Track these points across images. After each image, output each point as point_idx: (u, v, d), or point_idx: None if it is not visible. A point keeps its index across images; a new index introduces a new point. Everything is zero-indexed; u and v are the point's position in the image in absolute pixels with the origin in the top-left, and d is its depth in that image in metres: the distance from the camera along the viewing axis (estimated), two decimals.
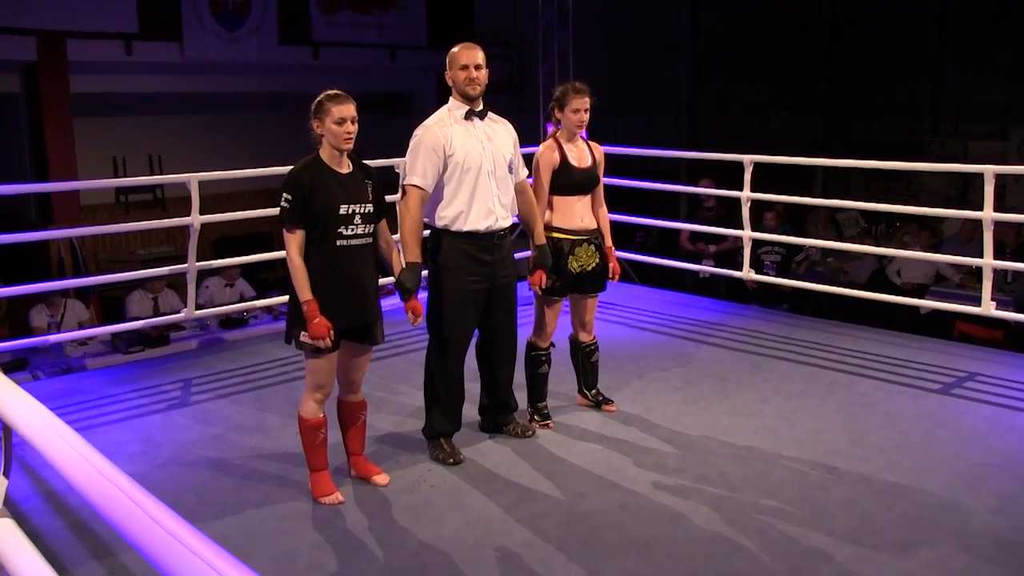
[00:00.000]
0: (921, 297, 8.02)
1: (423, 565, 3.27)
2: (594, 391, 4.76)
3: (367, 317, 3.70)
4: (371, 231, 3.66)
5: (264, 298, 7.04)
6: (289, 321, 3.69)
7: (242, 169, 6.18)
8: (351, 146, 3.60)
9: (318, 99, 3.59)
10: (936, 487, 3.80)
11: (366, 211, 3.63)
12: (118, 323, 6.53)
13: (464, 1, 12.93)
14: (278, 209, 3.58)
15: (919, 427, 4.46)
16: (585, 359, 4.72)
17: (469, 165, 4.01)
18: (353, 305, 3.63)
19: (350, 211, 3.58)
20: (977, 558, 3.25)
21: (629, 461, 4.09)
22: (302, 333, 3.57)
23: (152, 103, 10.96)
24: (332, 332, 3.55)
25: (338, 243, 3.57)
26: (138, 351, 6.25)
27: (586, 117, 4.40)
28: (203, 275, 7.61)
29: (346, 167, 3.64)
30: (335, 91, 3.60)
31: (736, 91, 15.22)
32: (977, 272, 6.66)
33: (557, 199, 4.43)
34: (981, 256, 5.40)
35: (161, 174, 10.61)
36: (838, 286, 7.50)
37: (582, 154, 4.46)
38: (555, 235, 4.41)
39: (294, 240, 3.54)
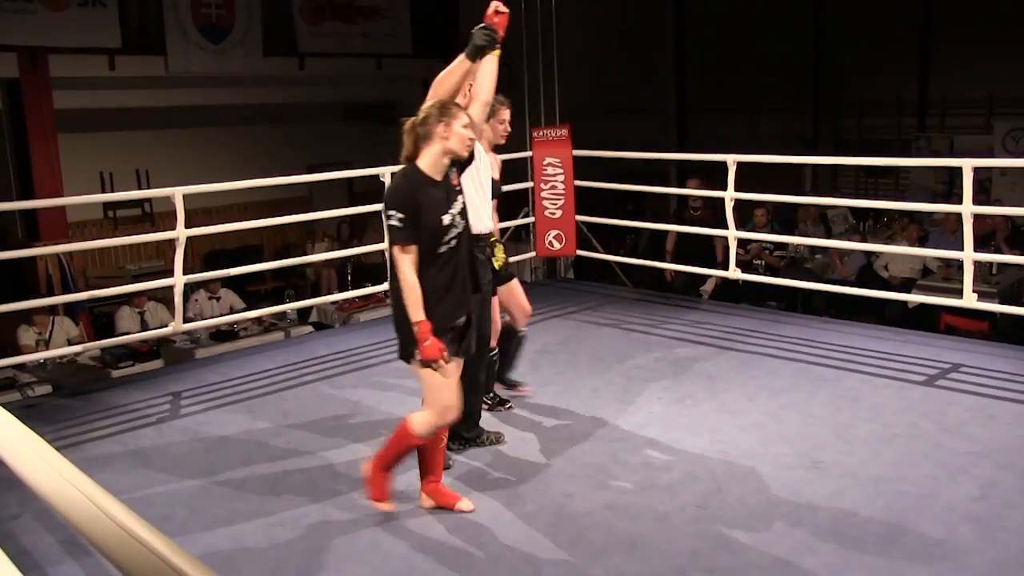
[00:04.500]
0: (909, 291, 8.06)
1: (413, 569, 3.29)
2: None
3: (469, 309, 3.62)
4: (464, 227, 3.54)
5: (253, 310, 7.07)
6: (404, 339, 3.50)
7: (229, 182, 6.18)
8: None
9: (442, 103, 3.48)
10: (919, 477, 3.84)
11: (458, 210, 3.51)
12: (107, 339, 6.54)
13: (449, 9, 12.96)
14: (388, 230, 3.42)
15: (903, 419, 4.49)
16: (517, 346, 4.92)
17: None
18: (460, 305, 3.54)
19: (452, 220, 3.46)
20: (958, 545, 3.28)
21: (616, 460, 4.12)
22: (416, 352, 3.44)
23: (138, 117, 10.95)
24: (445, 352, 3.44)
25: (439, 251, 3.44)
26: (128, 366, 6.27)
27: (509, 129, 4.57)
28: (192, 289, 7.65)
29: (440, 174, 3.50)
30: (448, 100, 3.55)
31: (724, 91, 15.25)
32: (962, 265, 6.68)
33: None
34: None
35: (148, 188, 10.59)
36: (827, 283, 7.53)
37: (495, 164, 4.59)
38: None
39: (408, 257, 3.37)
